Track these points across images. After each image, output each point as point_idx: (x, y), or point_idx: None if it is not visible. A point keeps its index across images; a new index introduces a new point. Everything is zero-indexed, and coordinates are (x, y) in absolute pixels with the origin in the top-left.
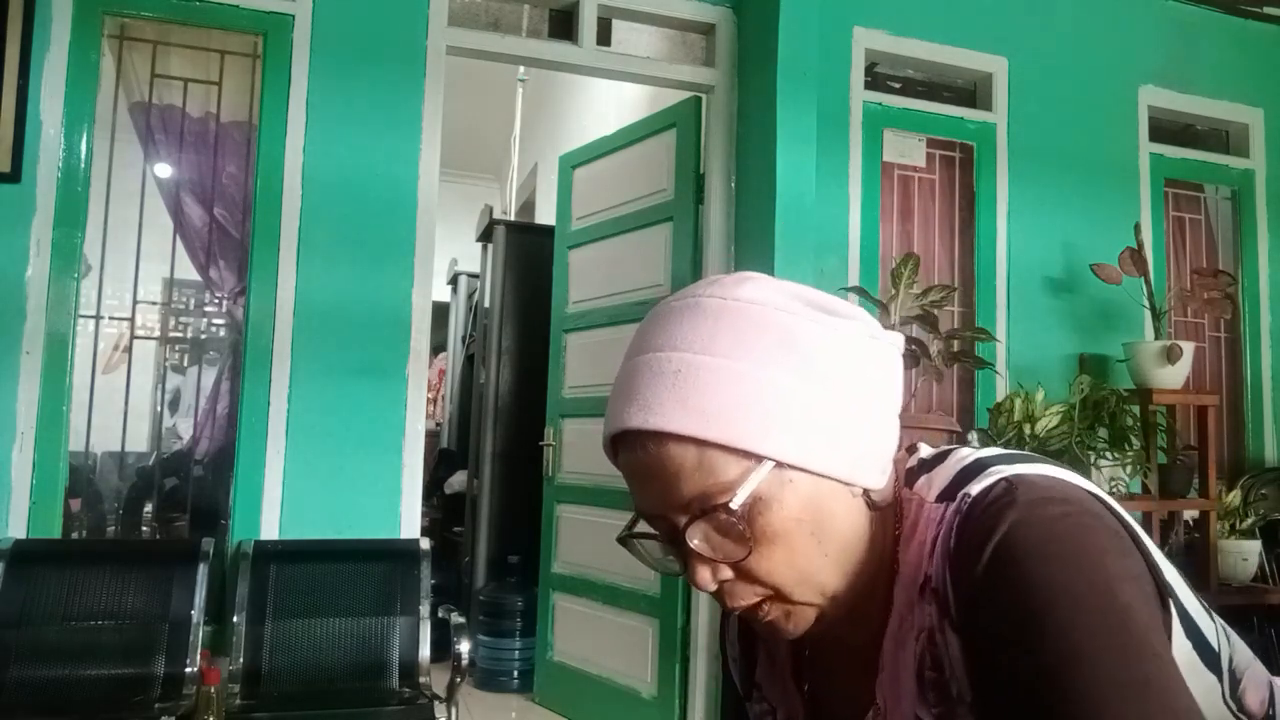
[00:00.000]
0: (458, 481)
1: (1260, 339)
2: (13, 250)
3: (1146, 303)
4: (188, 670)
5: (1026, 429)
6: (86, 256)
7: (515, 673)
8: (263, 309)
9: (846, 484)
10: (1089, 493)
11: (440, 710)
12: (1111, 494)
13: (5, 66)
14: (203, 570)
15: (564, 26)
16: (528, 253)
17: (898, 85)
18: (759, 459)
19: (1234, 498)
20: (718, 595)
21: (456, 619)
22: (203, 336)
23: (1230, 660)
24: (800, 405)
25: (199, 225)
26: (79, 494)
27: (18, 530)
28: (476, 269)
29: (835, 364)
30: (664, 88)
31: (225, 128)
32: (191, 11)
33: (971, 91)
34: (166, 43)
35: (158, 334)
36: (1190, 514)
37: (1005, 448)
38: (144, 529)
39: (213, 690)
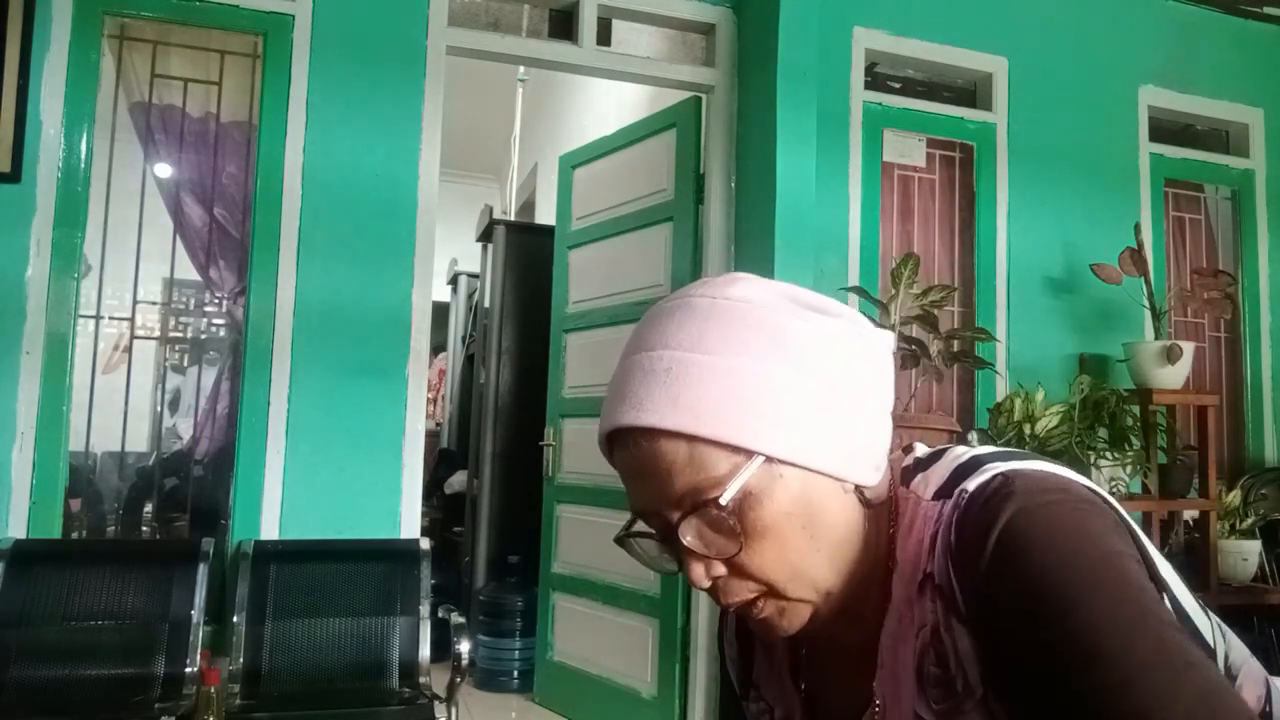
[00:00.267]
0: (458, 481)
1: (1260, 339)
2: (13, 250)
3: (1146, 303)
4: (188, 670)
5: (1026, 429)
6: (86, 256)
7: (515, 673)
8: (263, 309)
9: (838, 479)
10: (1085, 486)
11: (440, 710)
12: (1111, 494)
13: (5, 66)
14: (203, 570)
15: (564, 26)
16: (528, 253)
17: (898, 85)
18: (749, 454)
19: (1234, 498)
20: (712, 592)
21: (456, 619)
22: (203, 336)
23: (1225, 658)
24: (790, 401)
25: (199, 225)
26: (79, 494)
27: (18, 530)
28: (476, 269)
29: (824, 360)
30: (664, 88)
31: (225, 128)
32: (191, 11)
33: (971, 91)
34: (166, 43)
35: (158, 334)
36: (1190, 514)
37: (1005, 447)
38: (144, 529)
39: (213, 690)
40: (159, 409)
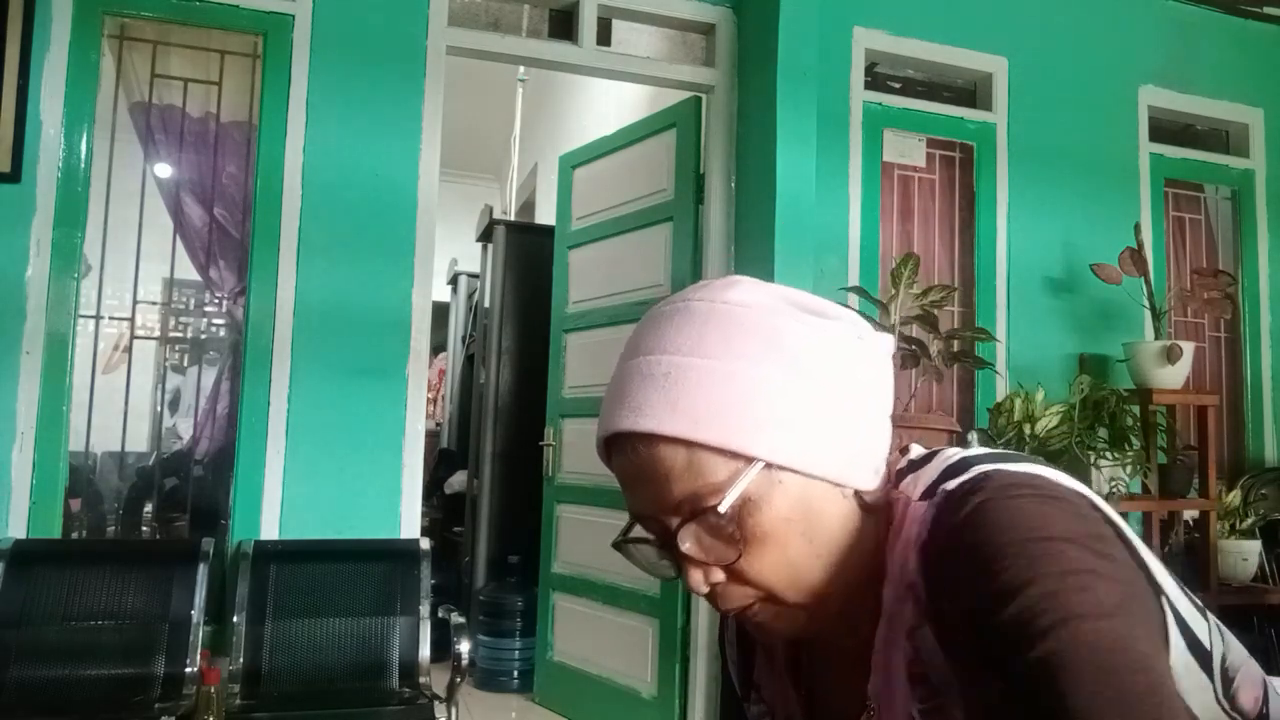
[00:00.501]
0: (458, 481)
1: (1260, 339)
2: (13, 250)
3: (1146, 303)
4: (188, 670)
5: (1026, 429)
6: (86, 256)
7: (515, 673)
8: (263, 309)
9: (837, 484)
10: (1075, 490)
11: (440, 710)
12: (1111, 494)
13: (5, 66)
14: (203, 570)
15: (564, 26)
16: (528, 253)
17: (898, 85)
18: (748, 460)
19: (1234, 498)
20: (710, 598)
21: (456, 619)
22: (203, 336)
23: (1223, 660)
24: (789, 406)
25: (199, 225)
26: (79, 494)
27: (18, 530)
28: (476, 269)
29: (823, 364)
30: (664, 88)
31: (225, 128)
32: (191, 11)
33: (971, 91)
34: (166, 43)
35: (158, 334)
36: (1190, 514)
37: (1005, 448)
38: (144, 529)
39: (213, 690)
40: (159, 409)
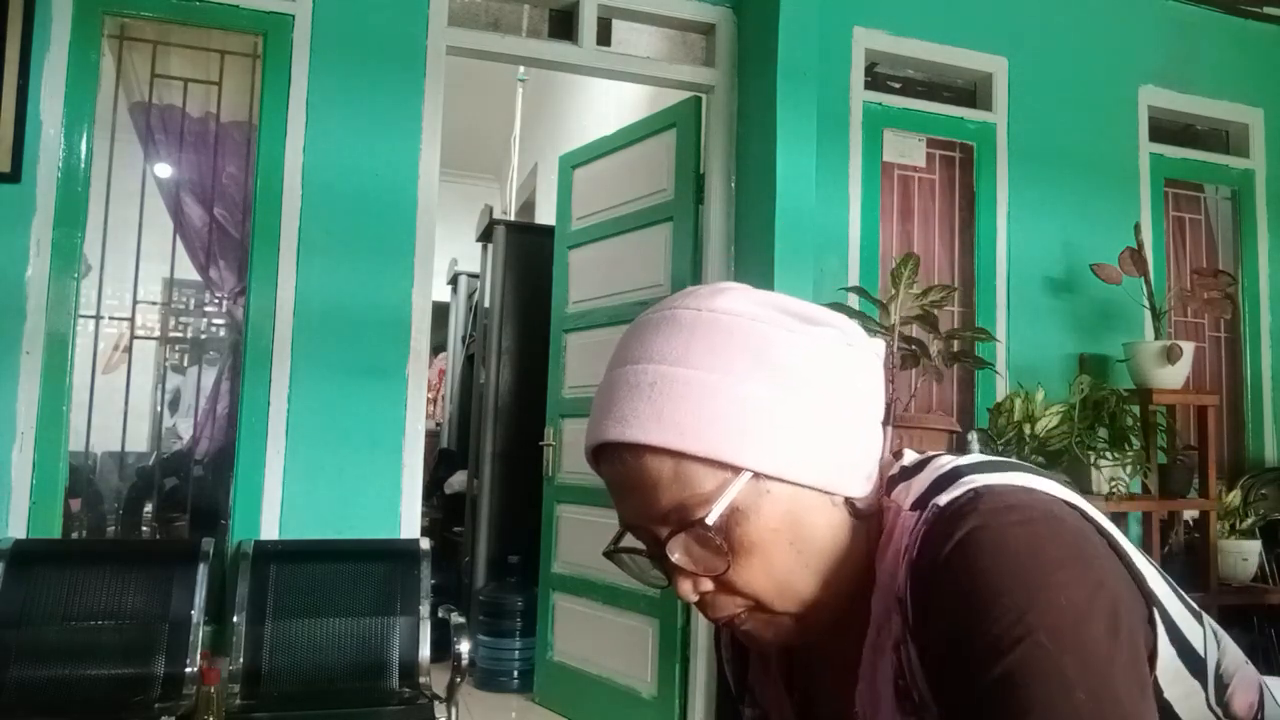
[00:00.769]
0: (458, 481)
1: (1260, 339)
2: (13, 250)
3: (1146, 303)
4: (188, 670)
5: (1026, 429)
6: (86, 256)
7: (515, 673)
8: (263, 309)
9: (826, 493)
10: (1063, 502)
11: (440, 710)
12: (1111, 494)
13: (5, 66)
14: (203, 570)
15: (564, 26)
16: (528, 253)
17: (898, 85)
18: (735, 470)
19: (1234, 498)
20: (700, 606)
21: (456, 619)
22: (203, 336)
23: (1218, 665)
24: (776, 415)
25: (199, 225)
26: (79, 494)
27: (18, 530)
28: (476, 269)
29: (811, 373)
30: (664, 88)
31: (225, 128)
32: (191, 11)
33: (971, 91)
34: (166, 43)
35: (158, 334)
36: (1190, 514)
37: (1005, 448)
38: (144, 529)
39: (213, 690)
40: (159, 409)
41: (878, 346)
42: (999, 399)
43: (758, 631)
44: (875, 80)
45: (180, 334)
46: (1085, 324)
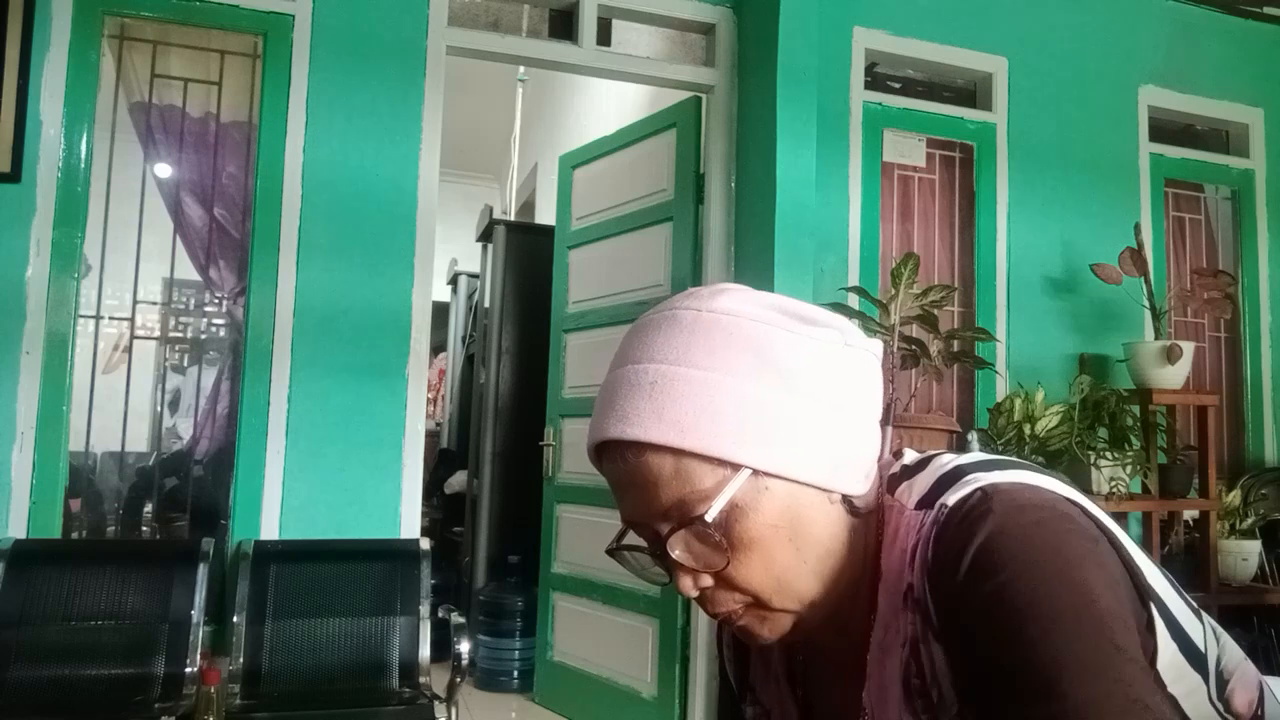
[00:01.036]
0: (458, 481)
1: (1260, 339)
2: (13, 250)
3: (1146, 303)
4: (188, 670)
5: (1026, 429)
6: (86, 256)
7: (515, 673)
8: (263, 309)
9: (824, 490)
10: (1066, 499)
11: (440, 710)
12: (1111, 494)
13: (5, 66)
14: (203, 570)
15: (564, 26)
16: (528, 253)
17: (898, 85)
18: (735, 467)
19: (1234, 498)
20: (700, 601)
21: (456, 619)
22: (203, 336)
23: (1218, 661)
24: (774, 413)
25: (199, 225)
26: (79, 494)
27: (18, 530)
28: (476, 269)
29: (809, 372)
30: (664, 88)
31: (225, 128)
32: (191, 11)
33: (971, 91)
34: (166, 43)
35: (158, 334)
36: (1190, 514)
37: (1005, 448)
38: (144, 529)
39: (213, 690)
40: (159, 409)
41: (876, 347)
42: (999, 399)
43: (755, 627)
44: (875, 80)
45: (180, 334)
46: (1085, 324)
